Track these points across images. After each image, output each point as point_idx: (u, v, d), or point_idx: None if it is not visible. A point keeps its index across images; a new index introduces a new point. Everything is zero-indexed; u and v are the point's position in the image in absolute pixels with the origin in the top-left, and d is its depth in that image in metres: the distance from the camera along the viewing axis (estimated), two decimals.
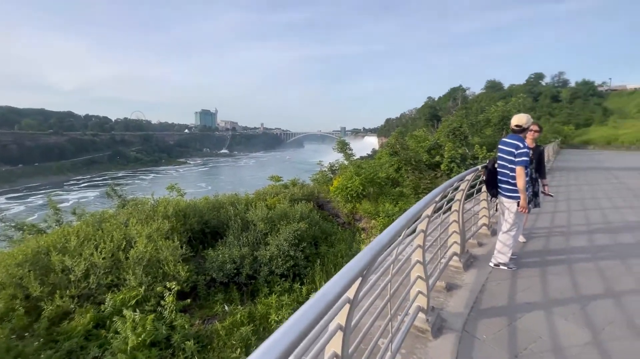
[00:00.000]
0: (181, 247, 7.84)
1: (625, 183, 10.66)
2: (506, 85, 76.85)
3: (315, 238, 10.02)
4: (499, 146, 3.79)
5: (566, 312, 2.88)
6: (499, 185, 3.78)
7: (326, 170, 19.67)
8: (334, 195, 13.20)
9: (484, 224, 5.15)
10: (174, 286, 6.21)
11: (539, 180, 4.71)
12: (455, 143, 12.76)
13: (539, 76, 70.55)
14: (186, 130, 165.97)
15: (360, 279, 1.49)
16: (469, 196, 4.83)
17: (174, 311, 6.05)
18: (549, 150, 21.81)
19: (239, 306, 6.85)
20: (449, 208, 3.88)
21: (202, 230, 9.88)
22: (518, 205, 3.52)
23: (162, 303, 6.06)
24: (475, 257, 4.18)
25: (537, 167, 4.63)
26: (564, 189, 9.66)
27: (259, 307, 6.89)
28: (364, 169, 12.96)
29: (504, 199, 3.72)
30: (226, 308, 7.00)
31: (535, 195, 4.65)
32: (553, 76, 70.26)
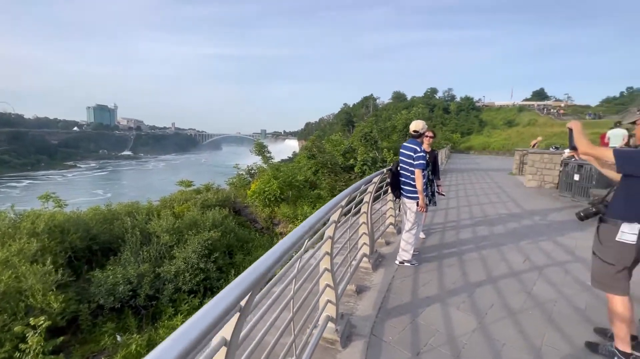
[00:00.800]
0: (56, 271, 6.37)
1: (496, 181, 12.94)
2: (409, 97, 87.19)
3: (230, 246, 9.38)
4: (401, 150, 4.03)
5: (458, 301, 3.16)
6: (402, 186, 4.01)
7: (244, 173, 18.87)
8: (252, 199, 12.69)
9: (391, 223, 5.48)
10: (42, 321, 4.92)
11: (435, 181, 5.20)
12: (367, 147, 13.63)
13: (434, 90, 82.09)
14: (75, 128, 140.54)
15: (250, 293, 1.23)
16: (377, 197, 5.06)
17: (41, 354, 4.80)
18: (442, 154, 25.26)
19: (135, 335, 5.85)
20: (359, 211, 3.95)
21: (88, 248, 8.25)
22: (418, 204, 3.77)
23: (23, 346, 4.75)
24: (384, 256, 4.35)
25: (432, 169, 5.11)
26: (454, 188, 11.16)
27: (161, 332, 6.02)
28: (283, 172, 12.83)
29: (405, 200, 3.95)
30: (118, 338, 5.91)
31: (432, 194, 5.14)
32: (444, 91, 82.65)
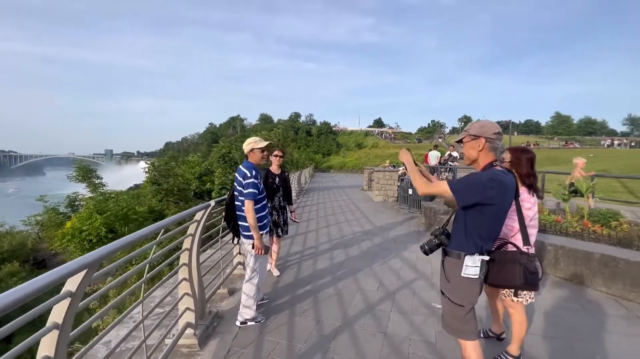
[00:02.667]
0: None
1: (351, 198, 13.96)
2: (275, 119, 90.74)
3: None
4: (235, 174, 3.12)
5: None
6: (238, 222, 3.08)
7: (64, 207, 14.15)
8: (63, 244, 9.23)
9: (240, 263, 4.45)
10: None
11: (287, 207, 4.54)
12: (226, 169, 12.34)
13: (298, 115, 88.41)
14: None
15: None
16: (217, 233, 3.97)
17: None
18: (306, 173, 26.48)
19: None
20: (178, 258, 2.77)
21: None
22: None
23: None
24: (223, 316, 3.26)
25: (284, 194, 4.45)
26: (315, 207, 11.22)
27: None
28: (115, 204, 9.96)
29: (243, 239, 3.03)
30: None
31: (284, 223, 4.45)
32: (306, 116, 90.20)
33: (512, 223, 2.29)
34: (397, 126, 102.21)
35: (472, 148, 1.90)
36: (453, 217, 2.00)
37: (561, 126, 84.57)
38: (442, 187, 1.83)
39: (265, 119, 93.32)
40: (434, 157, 13.95)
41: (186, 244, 2.77)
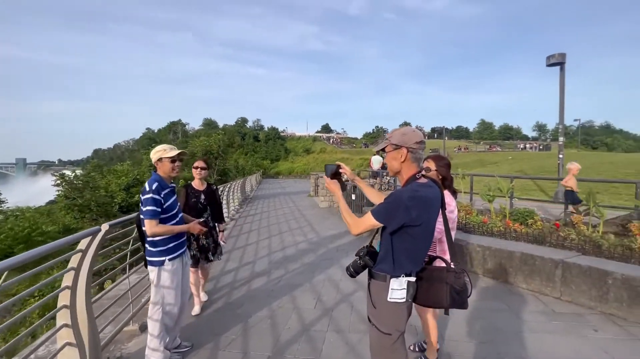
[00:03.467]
0: None
1: (297, 204, 13.71)
2: (221, 124, 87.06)
3: None
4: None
5: None
6: (145, 245, 2.58)
7: None
8: None
9: None
10: None
11: (217, 226, 4.01)
12: None
13: (244, 120, 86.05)
14: None
15: None
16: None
17: None
18: (252, 180, 25.63)
19: None
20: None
21: None
22: (159, 275, 2.44)
23: None
24: (128, 358, 2.71)
25: (212, 212, 3.90)
26: (258, 217, 10.72)
27: None
28: (12, 223, 8.31)
29: (149, 266, 2.54)
30: None
31: (215, 245, 3.92)
32: (254, 121, 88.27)
33: (438, 235, 2.21)
34: (344, 131, 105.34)
35: (394, 159, 1.73)
36: (379, 234, 1.83)
37: (486, 131, 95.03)
38: (368, 221, 1.65)
39: (209, 124, 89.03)
40: (376, 161, 14.39)
41: (66, 281, 2.21)
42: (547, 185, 12.09)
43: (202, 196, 3.77)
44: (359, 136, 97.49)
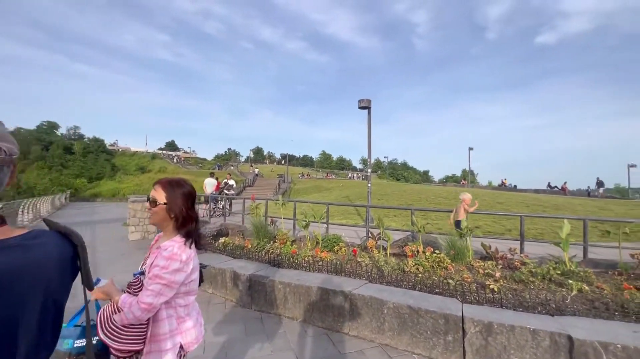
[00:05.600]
0: None
1: (103, 237, 10.53)
2: (12, 127, 63.01)
3: None
4: None
5: None
6: None
7: None
8: None
9: None
10: None
11: None
12: None
13: (54, 125, 65.37)
14: None
15: None
16: None
17: None
18: (42, 207, 18.91)
19: None
20: None
21: None
22: None
23: None
24: None
25: None
26: None
27: None
28: None
29: None
30: None
31: None
32: (69, 128, 68.67)
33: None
34: (193, 151, 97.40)
35: None
36: None
37: (326, 161, 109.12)
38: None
39: None
40: (209, 184, 13.09)
41: None
42: (362, 210, 14.01)
43: None
44: (210, 157, 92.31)
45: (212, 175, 14.07)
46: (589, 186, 29.55)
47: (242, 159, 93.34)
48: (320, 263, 4.88)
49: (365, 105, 11.32)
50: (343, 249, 5.59)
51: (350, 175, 68.23)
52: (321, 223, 6.67)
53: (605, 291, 3.64)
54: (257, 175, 44.20)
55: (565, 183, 30.19)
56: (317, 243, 6.05)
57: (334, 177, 62.65)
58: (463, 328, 2.92)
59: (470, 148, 34.40)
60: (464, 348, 2.90)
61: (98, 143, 60.75)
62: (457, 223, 6.54)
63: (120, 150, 71.88)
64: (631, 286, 3.67)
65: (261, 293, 4.22)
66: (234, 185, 13.28)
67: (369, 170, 12.13)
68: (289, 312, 4.01)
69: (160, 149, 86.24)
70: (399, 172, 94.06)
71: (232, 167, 57.33)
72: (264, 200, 8.98)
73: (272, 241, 6.25)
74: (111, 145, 73.37)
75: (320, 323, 3.76)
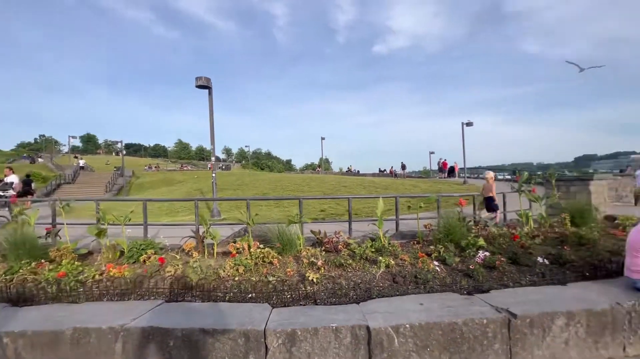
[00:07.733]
0: None
1: None
2: None
3: None
4: None
5: None
6: None
7: None
8: None
9: None
10: None
11: None
12: None
13: None
14: None
15: None
16: None
17: None
18: None
19: None
20: None
21: None
22: None
23: None
24: None
25: None
26: None
27: None
28: None
29: None
30: None
31: None
32: None
33: None
34: None
35: None
36: None
37: (183, 151, 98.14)
38: None
39: None
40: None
41: None
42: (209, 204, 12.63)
43: None
44: (11, 146, 67.38)
45: (10, 170, 9.69)
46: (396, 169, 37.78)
47: (65, 149, 72.57)
48: (105, 284, 3.53)
49: (204, 84, 9.92)
50: (152, 258, 4.35)
51: (210, 166, 63.66)
52: (124, 225, 5.11)
53: (407, 262, 3.94)
54: (82, 167, 34.83)
55: (392, 167, 37.15)
56: (123, 253, 4.59)
57: (189, 168, 56.76)
58: (265, 343, 2.38)
59: (322, 138, 37.54)
60: None
61: None
62: (489, 199, 7.18)
63: None
64: (423, 254, 4.11)
65: None
66: (15, 183, 9.43)
67: (213, 159, 10.89)
68: None
69: None
70: (263, 161, 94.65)
71: (41, 160, 43.21)
72: (86, 201, 6.46)
73: (43, 261, 4.32)
74: None
75: None
